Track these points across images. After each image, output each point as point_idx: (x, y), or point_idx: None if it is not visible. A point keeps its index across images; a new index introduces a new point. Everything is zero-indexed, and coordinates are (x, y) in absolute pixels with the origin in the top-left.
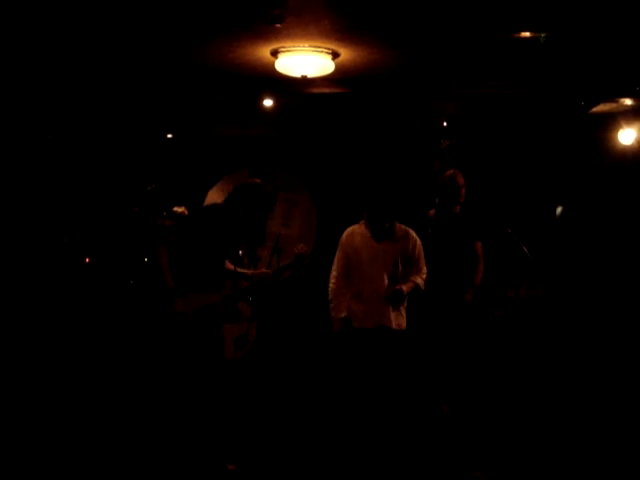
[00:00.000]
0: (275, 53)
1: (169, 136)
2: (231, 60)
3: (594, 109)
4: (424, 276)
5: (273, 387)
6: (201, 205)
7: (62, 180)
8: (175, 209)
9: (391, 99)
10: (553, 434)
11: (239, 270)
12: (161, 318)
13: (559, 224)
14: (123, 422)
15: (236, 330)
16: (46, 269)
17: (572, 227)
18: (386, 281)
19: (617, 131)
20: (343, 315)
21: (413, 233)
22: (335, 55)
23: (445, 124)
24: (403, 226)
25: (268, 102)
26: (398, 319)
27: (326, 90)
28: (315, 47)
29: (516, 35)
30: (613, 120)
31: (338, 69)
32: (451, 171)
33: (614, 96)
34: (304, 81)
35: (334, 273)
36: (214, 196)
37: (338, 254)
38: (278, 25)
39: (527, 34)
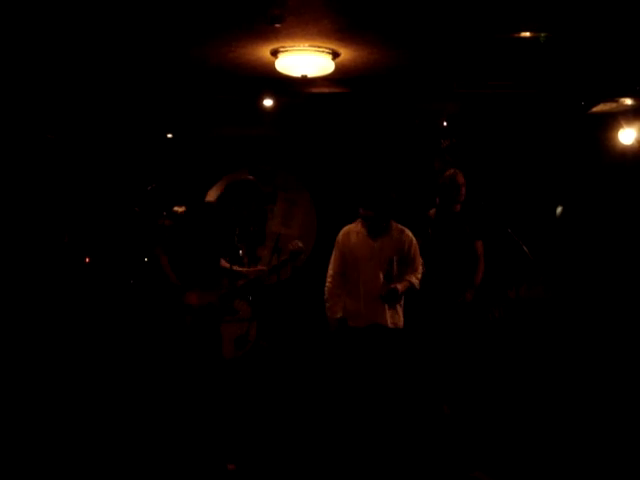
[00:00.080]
0: (275, 53)
1: (169, 136)
2: (231, 60)
3: (594, 109)
4: (419, 275)
5: (273, 387)
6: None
7: (62, 180)
8: (175, 209)
9: (391, 99)
10: (553, 434)
11: (235, 268)
12: (160, 318)
13: (559, 224)
14: (123, 422)
15: (236, 330)
16: (46, 269)
17: (572, 227)
18: (381, 279)
19: (617, 131)
20: (339, 316)
21: (409, 232)
22: (335, 55)
23: (445, 124)
24: (399, 225)
25: (268, 102)
26: (394, 318)
27: (326, 90)
28: (315, 47)
29: (516, 35)
30: (613, 120)
31: (338, 69)
32: (451, 171)
33: (614, 96)
34: (304, 81)
35: (330, 272)
36: (214, 196)
37: (334, 253)
38: (278, 25)
39: (527, 34)
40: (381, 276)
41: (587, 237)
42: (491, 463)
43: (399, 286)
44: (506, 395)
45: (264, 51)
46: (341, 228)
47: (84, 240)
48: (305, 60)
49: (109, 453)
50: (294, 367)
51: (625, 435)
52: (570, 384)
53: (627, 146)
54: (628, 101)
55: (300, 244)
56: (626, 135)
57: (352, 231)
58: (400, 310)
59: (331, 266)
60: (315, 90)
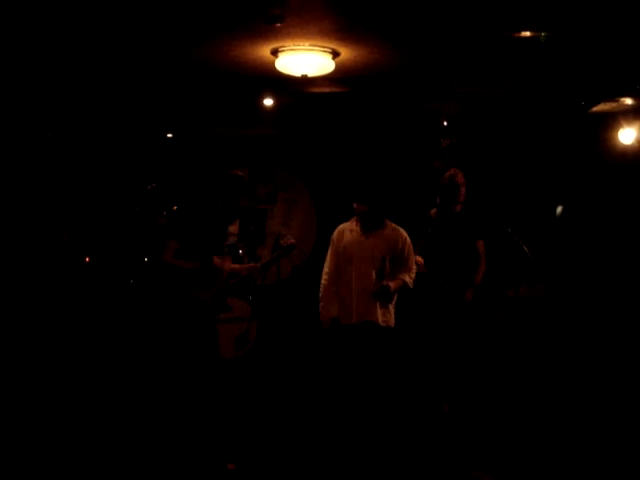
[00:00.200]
0: (275, 52)
1: (169, 135)
2: (231, 59)
3: (594, 108)
4: (413, 275)
5: (273, 386)
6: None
7: (62, 179)
8: (175, 209)
9: (391, 98)
10: (553, 433)
11: (227, 265)
12: (159, 317)
13: (559, 223)
14: (123, 421)
15: (236, 329)
16: (46, 268)
17: (572, 227)
18: (374, 277)
19: (617, 130)
20: (333, 314)
21: (403, 232)
22: (335, 54)
23: (445, 123)
24: (394, 224)
25: (268, 101)
26: (385, 316)
27: (326, 89)
28: (315, 46)
29: (516, 34)
30: (613, 119)
31: (338, 68)
32: (451, 171)
33: (614, 95)
34: (304, 80)
35: (326, 269)
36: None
37: (329, 251)
38: (278, 24)
39: (527, 33)
40: (373, 274)
41: (587, 237)
42: (490, 462)
43: (391, 284)
44: (506, 394)
45: (264, 50)
46: None
47: (84, 240)
48: (305, 59)
49: (109, 452)
50: (294, 366)
51: (625, 434)
52: (570, 383)
53: (627, 146)
54: (628, 101)
55: (292, 240)
56: (626, 135)
57: (346, 229)
58: (392, 309)
59: (326, 264)
60: (315, 90)
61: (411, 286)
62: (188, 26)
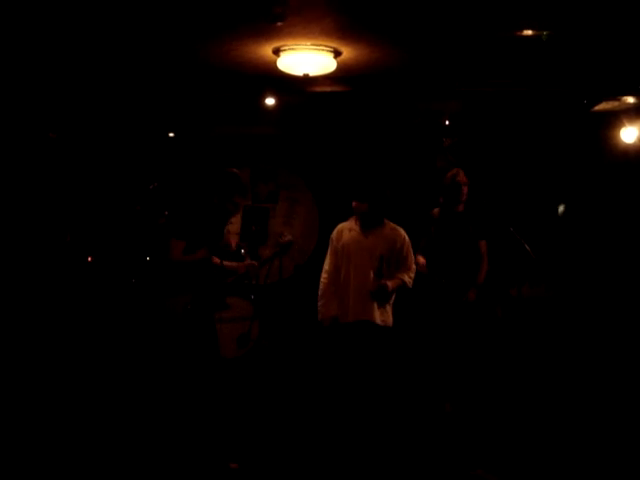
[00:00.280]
0: (277, 51)
1: (171, 135)
2: (233, 58)
3: (596, 107)
4: (412, 274)
5: (275, 386)
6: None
7: (64, 179)
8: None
9: (393, 97)
10: (555, 432)
11: (225, 264)
12: (159, 317)
13: (561, 223)
14: (125, 420)
15: (238, 329)
16: (48, 268)
17: (574, 226)
18: (372, 276)
19: (619, 129)
20: (333, 313)
21: (402, 231)
22: (337, 53)
23: (447, 123)
24: (393, 224)
25: (270, 101)
26: (383, 315)
27: (328, 89)
28: (317, 45)
29: (518, 33)
30: (615, 118)
31: (340, 67)
32: (454, 170)
33: (616, 94)
34: (306, 79)
35: (325, 267)
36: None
37: (329, 250)
38: (280, 23)
39: (529, 32)
40: (371, 272)
41: (589, 236)
42: (493, 461)
43: (389, 283)
44: (508, 393)
45: (266, 50)
46: None
47: (86, 239)
48: (307, 59)
49: (111, 452)
50: (296, 366)
51: (626, 434)
52: (572, 382)
53: (629, 144)
54: (630, 99)
55: (290, 237)
56: (628, 133)
57: (345, 228)
58: (389, 309)
59: (326, 262)
60: (317, 89)
61: (410, 286)
62: (190, 25)
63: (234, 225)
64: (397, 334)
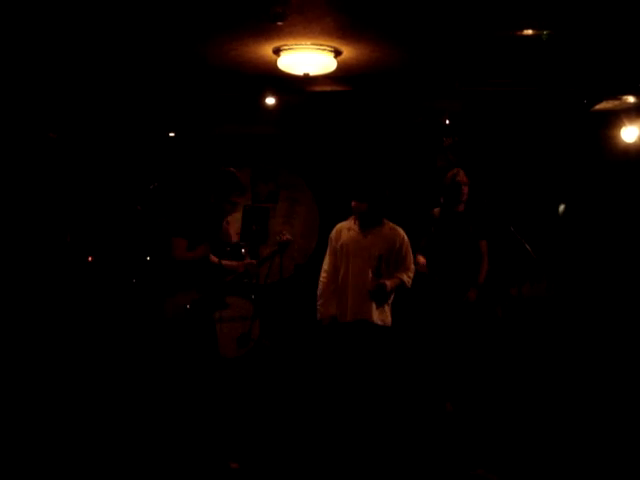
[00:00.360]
0: (277, 51)
1: (171, 134)
2: (233, 58)
3: (597, 107)
4: (411, 274)
5: (276, 385)
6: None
7: (65, 179)
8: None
9: (393, 97)
10: (556, 432)
11: (224, 263)
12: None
13: (562, 222)
14: (126, 420)
15: (239, 328)
16: (49, 268)
17: (575, 225)
18: (370, 275)
19: (620, 129)
20: (332, 312)
21: (401, 231)
22: (337, 53)
23: (447, 122)
24: (392, 224)
25: (270, 100)
26: (382, 315)
27: (328, 88)
28: (317, 45)
29: (519, 33)
30: (616, 118)
31: (340, 67)
32: (454, 170)
33: (617, 93)
34: (306, 79)
35: (324, 267)
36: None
37: (328, 250)
38: (280, 23)
39: (529, 32)
40: (370, 272)
41: (590, 235)
42: (493, 461)
43: (388, 282)
44: (509, 393)
45: (266, 49)
46: None
47: (86, 239)
48: (307, 58)
49: (112, 452)
50: (297, 365)
51: (628, 434)
52: (572, 382)
53: (630, 144)
54: (631, 99)
55: (288, 235)
56: (629, 133)
57: (344, 227)
58: (388, 308)
59: (325, 262)
60: (317, 88)
61: (409, 285)
62: (190, 25)
63: (233, 221)
64: (398, 334)
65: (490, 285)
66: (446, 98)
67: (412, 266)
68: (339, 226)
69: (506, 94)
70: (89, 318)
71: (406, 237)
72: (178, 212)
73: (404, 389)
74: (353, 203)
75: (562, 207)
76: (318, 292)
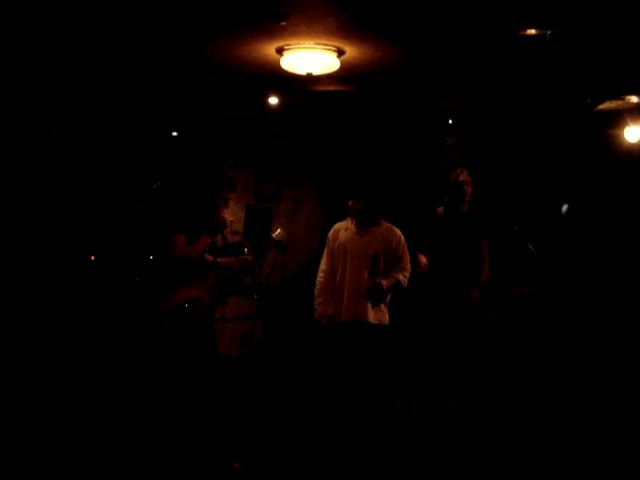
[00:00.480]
0: (280, 51)
1: (174, 134)
2: (236, 58)
3: (600, 107)
4: (407, 273)
5: (278, 385)
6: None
7: (67, 178)
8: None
9: (397, 97)
10: (558, 432)
11: (219, 260)
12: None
13: (565, 222)
14: (128, 420)
15: (242, 328)
16: (51, 267)
17: (578, 225)
18: (366, 275)
19: (623, 129)
20: (330, 312)
21: (398, 231)
22: (340, 53)
23: (450, 122)
24: (388, 224)
25: (273, 100)
26: (377, 314)
27: (331, 88)
28: (320, 45)
29: (522, 33)
30: (619, 118)
31: (343, 67)
32: (457, 171)
33: (620, 93)
34: (309, 79)
35: (322, 267)
36: None
37: (325, 250)
38: (283, 23)
39: (533, 31)
40: (366, 272)
41: (593, 235)
42: (496, 461)
43: (384, 282)
44: (511, 393)
45: (269, 49)
46: None
47: (89, 238)
48: (310, 58)
49: (114, 451)
50: (299, 365)
51: (630, 434)
52: (575, 382)
53: (633, 144)
54: (634, 99)
55: (283, 232)
56: (632, 133)
57: (341, 227)
58: (385, 308)
59: (322, 262)
60: (320, 88)
61: (405, 285)
62: (193, 25)
63: (237, 220)
64: (398, 332)
65: (493, 285)
66: (449, 98)
67: (408, 266)
68: (337, 226)
69: (509, 94)
70: (92, 317)
71: (402, 237)
72: (174, 209)
73: (403, 388)
74: (350, 202)
75: (565, 207)
76: (315, 292)
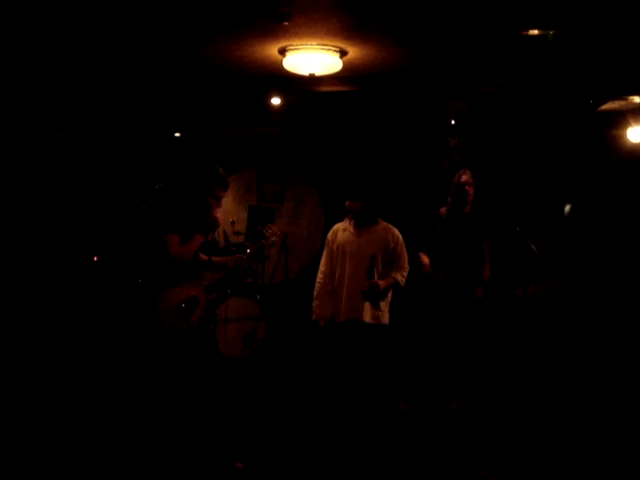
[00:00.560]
0: (283, 51)
1: (177, 135)
2: (239, 58)
3: (602, 107)
4: (405, 273)
5: (281, 385)
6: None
7: (70, 178)
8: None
9: (399, 97)
10: (560, 432)
11: (214, 259)
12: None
13: (567, 222)
14: (131, 420)
15: (244, 328)
16: (54, 267)
17: (580, 225)
18: (364, 275)
19: (626, 129)
20: (328, 314)
21: (396, 231)
22: (343, 53)
23: (453, 122)
24: (386, 223)
25: (276, 100)
26: (375, 314)
27: (334, 88)
28: (323, 45)
29: (524, 33)
30: (622, 118)
31: (346, 67)
32: (460, 171)
33: (623, 94)
34: (312, 79)
35: (322, 268)
36: None
37: (325, 251)
38: (286, 23)
39: (535, 32)
40: (364, 272)
41: (595, 236)
42: (498, 461)
43: (381, 282)
44: (513, 393)
45: (272, 49)
46: None
47: (92, 239)
48: (313, 58)
49: (116, 451)
50: (301, 365)
51: (632, 434)
52: (577, 382)
53: (636, 144)
54: (637, 99)
55: (277, 231)
56: (634, 133)
57: (340, 228)
58: (384, 306)
59: (321, 263)
60: (323, 88)
61: (402, 285)
62: (195, 25)
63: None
64: (398, 332)
65: (495, 285)
66: (452, 98)
67: (406, 265)
68: (335, 227)
69: (512, 94)
70: (94, 317)
71: (400, 236)
72: (168, 209)
73: (407, 389)
74: (347, 202)
75: (568, 207)
76: (314, 293)
